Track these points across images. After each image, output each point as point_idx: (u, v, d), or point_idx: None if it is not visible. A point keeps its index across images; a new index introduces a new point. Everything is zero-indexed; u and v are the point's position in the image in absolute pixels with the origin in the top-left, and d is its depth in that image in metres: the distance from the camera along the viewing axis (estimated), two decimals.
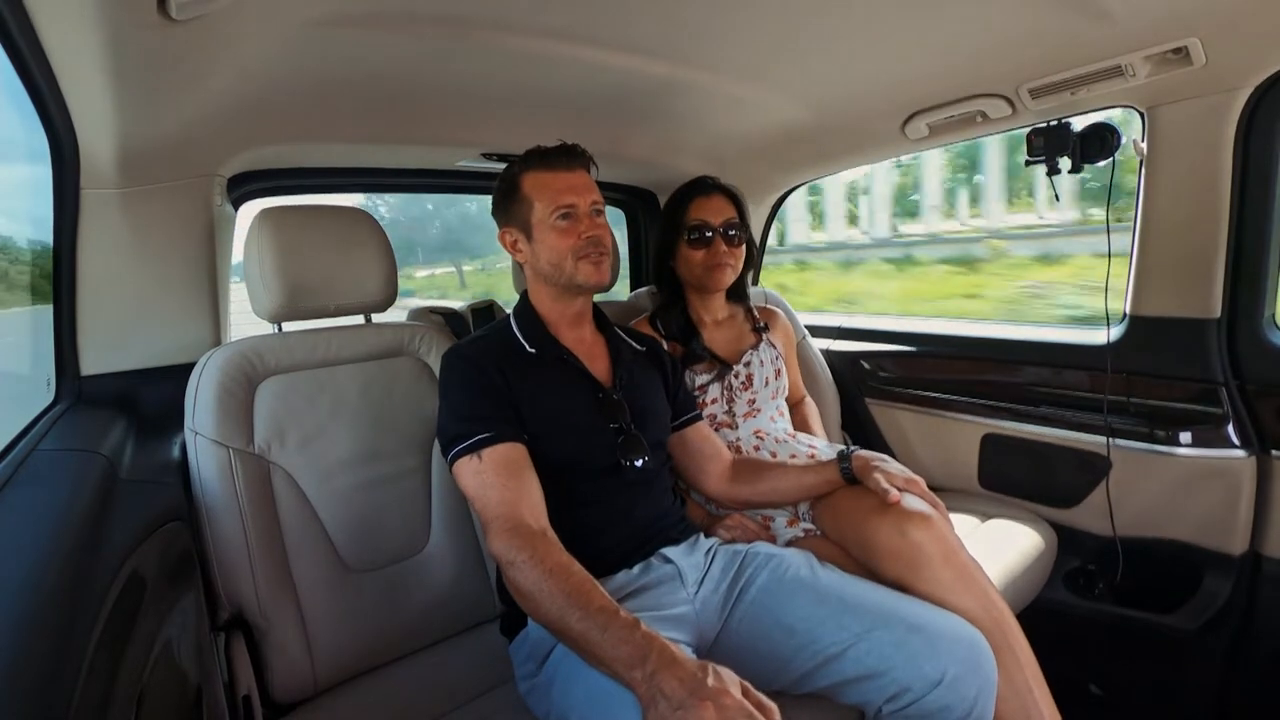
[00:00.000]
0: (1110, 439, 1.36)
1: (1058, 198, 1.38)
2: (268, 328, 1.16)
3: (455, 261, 9.95)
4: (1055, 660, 0.97)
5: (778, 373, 1.42)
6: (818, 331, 1.93)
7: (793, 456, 1.29)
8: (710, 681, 0.66)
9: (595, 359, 1.10)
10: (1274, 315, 1.25)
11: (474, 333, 1.24)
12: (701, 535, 1.08)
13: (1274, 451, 1.22)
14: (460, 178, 1.84)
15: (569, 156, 1.05)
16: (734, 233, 1.39)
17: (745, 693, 0.67)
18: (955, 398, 1.66)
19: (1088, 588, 1.43)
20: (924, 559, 0.95)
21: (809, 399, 1.59)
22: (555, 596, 0.77)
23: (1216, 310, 1.26)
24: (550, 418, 0.99)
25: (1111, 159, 1.29)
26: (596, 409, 1.03)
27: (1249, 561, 1.26)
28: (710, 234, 1.37)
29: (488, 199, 1.16)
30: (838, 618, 0.88)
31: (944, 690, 0.80)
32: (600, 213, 1.06)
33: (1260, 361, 1.24)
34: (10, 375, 1.41)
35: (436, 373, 1.17)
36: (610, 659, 0.72)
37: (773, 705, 0.67)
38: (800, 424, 1.49)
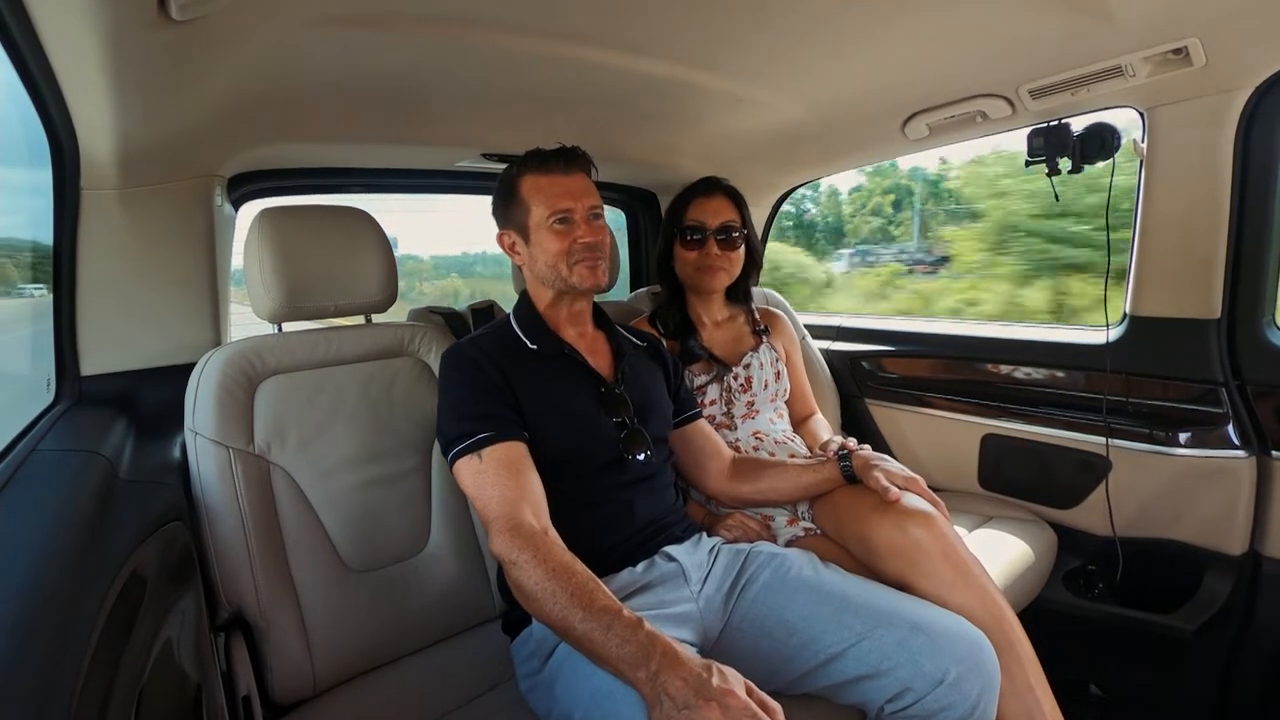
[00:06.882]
0: (1110, 439, 1.36)
1: (1057, 198, 1.38)
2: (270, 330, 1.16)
3: None
4: (1055, 660, 0.97)
5: (778, 375, 1.42)
6: (818, 332, 1.93)
7: (792, 456, 1.29)
8: (715, 681, 0.66)
9: (597, 354, 1.10)
10: (1274, 316, 1.25)
11: (473, 332, 1.24)
12: (704, 534, 1.08)
13: (1274, 452, 1.22)
14: (460, 178, 1.85)
15: (567, 160, 1.03)
16: (729, 234, 1.37)
17: (749, 692, 0.67)
18: (955, 398, 1.66)
19: (1088, 588, 1.43)
20: (925, 556, 0.95)
21: (819, 415, 1.51)
22: (558, 596, 0.77)
23: (1216, 310, 1.26)
24: (552, 412, 0.98)
25: (1111, 159, 1.29)
26: (599, 403, 1.03)
27: (1249, 562, 1.26)
28: (703, 235, 1.36)
29: None
30: (840, 617, 0.88)
31: (946, 690, 0.79)
32: (598, 216, 1.05)
33: (1260, 362, 1.24)
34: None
35: (436, 373, 1.17)
36: (614, 659, 0.72)
37: (776, 705, 0.67)
38: (809, 442, 1.41)
